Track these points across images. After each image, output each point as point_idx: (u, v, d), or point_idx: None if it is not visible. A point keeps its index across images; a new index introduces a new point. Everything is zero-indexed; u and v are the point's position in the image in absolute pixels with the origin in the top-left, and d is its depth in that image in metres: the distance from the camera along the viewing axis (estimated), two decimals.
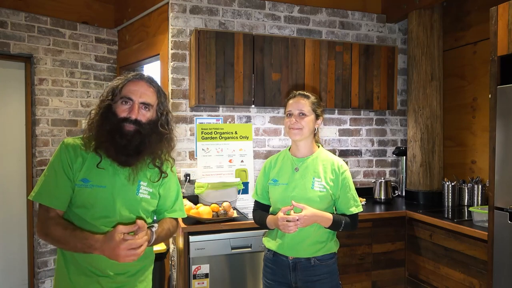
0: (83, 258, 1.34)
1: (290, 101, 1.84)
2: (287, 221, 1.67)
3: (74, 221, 1.35)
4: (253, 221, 2.39)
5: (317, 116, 1.83)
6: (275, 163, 1.92)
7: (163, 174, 1.46)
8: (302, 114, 1.79)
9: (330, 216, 1.76)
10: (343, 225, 1.78)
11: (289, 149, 1.92)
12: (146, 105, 1.37)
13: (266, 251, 1.91)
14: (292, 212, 1.72)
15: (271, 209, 1.92)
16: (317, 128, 1.87)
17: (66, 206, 1.35)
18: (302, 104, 1.80)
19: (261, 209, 1.95)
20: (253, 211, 2.00)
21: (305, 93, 1.85)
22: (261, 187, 1.93)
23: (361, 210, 1.86)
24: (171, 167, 1.52)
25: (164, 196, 1.51)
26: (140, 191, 1.41)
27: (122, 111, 1.34)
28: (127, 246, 1.20)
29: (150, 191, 1.44)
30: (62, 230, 1.28)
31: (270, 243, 1.87)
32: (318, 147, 1.90)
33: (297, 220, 1.67)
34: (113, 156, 1.33)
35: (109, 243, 1.21)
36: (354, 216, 1.84)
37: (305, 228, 1.74)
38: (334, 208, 1.88)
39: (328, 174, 1.80)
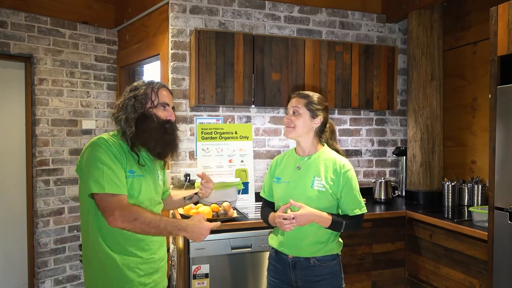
0: (132, 247, 1.51)
1: (290, 100, 1.87)
2: (283, 219, 1.69)
3: None
4: (253, 221, 2.42)
5: (314, 115, 1.81)
6: (280, 162, 1.95)
7: (165, 165, 1.79)
8: (296, 113, 1.81)
9: (329, 216, 1.74)
10: (344, 226, 1.76)
11: (295, 148, 1.94)
12: (173, 108, 1.67)
13: (270, 249, 1.94)
14: (289, 210, 1.73)
15: (275, 207, 1.93)
16: (317, 128, 1.85)
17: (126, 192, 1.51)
18: (297, 103, 1.82)
19: (268, 206, 1.97)
20: (261, 209, 2.03)
21: (303, 92, 1.86)
22: (268, 185, 1.97)
23: (365, 211, 1.83)
24: None
25: (164, 178, 1.81)
26: (160, 178, 1.71)
27: (164, 115, 1.59)
28: (208, 230, 1.55)
29: (161, 178, 1.74)
30: (152, 215, 1.46)
31: (273, 241, 1.90)
32: (323, 146, 1.90)
33: (293, 218, 1.68)
34: (159, 151, 1.58)
35: (199, 226, 1.52)
36: (358, 218, 1.81)
37: (304, 227, 1.74)
38: (338, 208, 1.86)
39: (329, 173, 1.79)
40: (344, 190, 1.78)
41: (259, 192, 3.00)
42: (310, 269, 1.78)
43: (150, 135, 1.53)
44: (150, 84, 1.60)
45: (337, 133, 3.30)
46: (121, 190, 1.44)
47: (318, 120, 1.83)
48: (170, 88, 2.84)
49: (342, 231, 1.79)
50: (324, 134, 1.90)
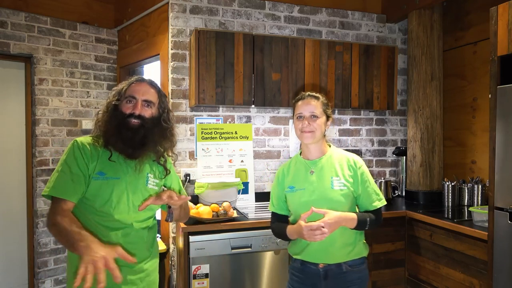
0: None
1: (299, 103, 1.76)
2: (311, 229, 1.56)
3: (90, 214, 1.44)
4: (253, 221, 2.41)
5: (327, 117, 1.77)
6: (287, 171, 1.84)
7: (167, 171, 1.61)
8: (314, 116, 1.71)
9: (355, 216, 1.66)
10: (368, 223, 1.69)
11: (300, 154, 1.85)
12: (148, 103, 1.50)
13: (292, 260, 1.82)
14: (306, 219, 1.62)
15: (291, 217, 1.82)
16: (326, 129, 1.80)
17: (78, 198, 1.42)
18: (313, 105, 1.72)
19: (279, 220, 1.84)
20: (271, 224, 1.88)
21: (314, 94, 1.78)
22: (277, 197, 1.84)
23: (385, 203, 1.78)
24: (174, 162, 1.69)
25: (170, 189, 1.62)
26: (149, 182, 1.55)
27: (127, 108, 1.48)
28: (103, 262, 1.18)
29: (157, 182, 1.58)
30: (68, 225, 1.31)
31: (296, 251, 1.78)
32: (330, 146, 1.83)
33: (323, 227, 1.56)
34: (120, 148, 1.46)
35: (99, 250, 1.19)
36: (378, 211, 1.75)
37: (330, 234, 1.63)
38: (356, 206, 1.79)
39: (345, 171, 1.73)
40: (362, 185, 1.73)
41: (259, 192, 3.03)
42: (342, 275, 1.70)
43: (110, 132, 1.46)
44: (128, 79, 1.56)
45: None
46: (64, 194, 1.38)
47: (329, 122, 1.80)
48: (170, 88, 2.87)
49: (367, 228, 1.70)
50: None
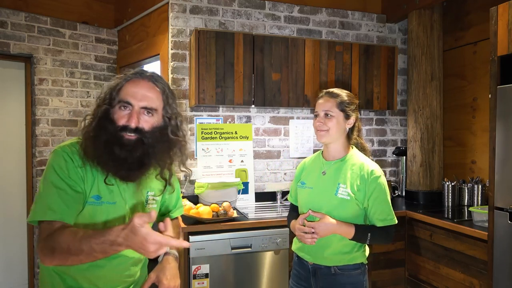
0: (87, 281, 1.22)
1: (318, 101, 1.72)
2: (304, 232, 1.59)
3: None
4: (253, 221, 2.42)
5: (347, 115, 1.68)
6: (306, 166, 1.85)
7: (168, 187, 1.32)
8: (328, 115, 1.67)
9: (352, 227, 1.60)
10: (369, 238, 1.61)
11: (322, 152, 1.82)
12: (148, 110, 1.16)
13: (294, 253, 1.85)
14: (305, 221, 1.63)
15: (299, 213, 1.82)
16: (349, 128, 1.71)
17: (73, 219, 1.14)
18: (327, 104, 1.68)
19: (293, 210, 1.88)
20: (288, 213, 1.95)
21: (333, 91, 1.71)
22: (294, 189, 1.88)
23: (394, 223, 1.68)
24: (189, 177, 1.49)
25: (169, 199, 1.46)
26: (149, 201, 1.31)
27: (121, 117, 1.13)
28: (154, 241, 0.94)
29: (157, 199, 1.35)
30: (71, 236, 1.02)
31: (295, 245, 1.81)
32: (352, 148, 1.76)
33: (313, 233, 1.57)
34: (112, 171, 1.14)
35: (134, 237, 0.93)
36: (386, 229, 1.66)
37: (327, 237, 1.62)
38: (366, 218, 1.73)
39: (355, 180, 1.65)
40: (372, 199, 1.64)
41: (259, 192, 3.03)
42: (331, 277, 1.67)
43: (99, 149, 1.12)
44: (125, 73, 1.20)
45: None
46: (56, 215, 1.08)
47: (352, 121, 1.71)
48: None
49: (367, 243, 1.65)
50: (353, 134, 1.76)
